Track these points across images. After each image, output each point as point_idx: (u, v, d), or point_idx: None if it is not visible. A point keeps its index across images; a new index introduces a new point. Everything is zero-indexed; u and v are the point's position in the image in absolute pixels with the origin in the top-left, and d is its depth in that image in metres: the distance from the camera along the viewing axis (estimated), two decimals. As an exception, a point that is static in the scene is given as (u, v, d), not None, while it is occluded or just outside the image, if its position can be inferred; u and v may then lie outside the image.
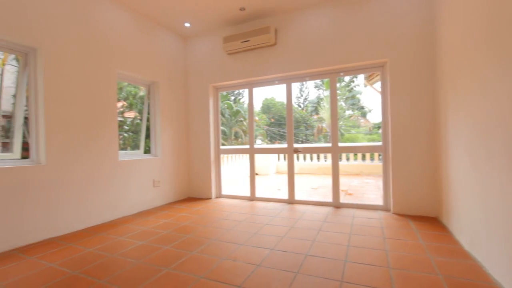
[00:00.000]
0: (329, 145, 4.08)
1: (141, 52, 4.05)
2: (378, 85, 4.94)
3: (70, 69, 3.11)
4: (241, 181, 7.14)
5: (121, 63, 3.73)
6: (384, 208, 3.69)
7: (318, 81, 20.36)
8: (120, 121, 3.73)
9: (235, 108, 15.44)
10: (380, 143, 3.81)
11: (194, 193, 4.94)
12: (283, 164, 9.88)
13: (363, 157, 9.16)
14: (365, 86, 14.93)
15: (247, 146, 4.71)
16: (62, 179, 2.99)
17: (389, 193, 3.61)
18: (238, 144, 15.74)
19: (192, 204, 4.40)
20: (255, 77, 4.37)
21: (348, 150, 4.90)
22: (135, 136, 7.71)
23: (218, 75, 4.66)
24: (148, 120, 4.45)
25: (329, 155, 9.27)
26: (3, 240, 2.52)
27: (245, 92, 20.32)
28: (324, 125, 17.48)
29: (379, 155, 8.70)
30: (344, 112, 18.05)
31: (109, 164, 3.52)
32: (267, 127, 20.49)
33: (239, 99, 21.52)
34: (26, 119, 2.93)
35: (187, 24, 4.43)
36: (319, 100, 19.83)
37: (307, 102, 23.90)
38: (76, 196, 3.13)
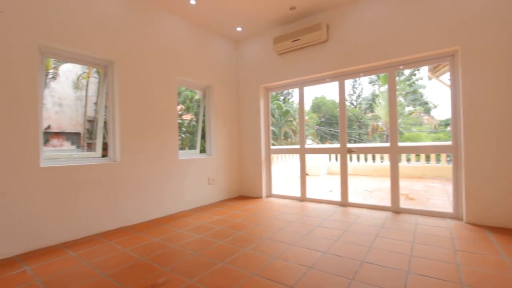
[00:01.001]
0: (387, 145, 3.79)
1: (197, 58, 4.34)
2: (445, 77, 4.39)
3: (142, 78, 3.52)
4: (291, 181, 7.10)
5: (180, 70, 4.06)
6: (455, 217, 3.27)
7: (373, 77, 19.00)
8: (179, 123, 4.05)
9: (284, 108, 15.41)
10: (449, 143, 3.38)
11: (245, 192, 5.09)
12: (335, 164, 9.50)
13: (427, 158, 8.22)
14: (430, 79, 13.37)
15: (298, 146, 4.66)
16: (132, 175, 3.39)
17: (461, 199, 3.18)
18: (288, 144, 15.67)
19: (244, 202, 4.54)
20: (305, 76, 4.30)
21: (409, 150, 4.46)
22: (191, 136, 8.31)
23: (268, 76, 4.72)
24: (203, 121, 4.74)
25: (386, 156, 8.59)
26: (88, 226, 2.97)
27: (295, 91, 20.15)
28: (379, 123, 16.26)
29: (447, 156, 7.72)
30: (404, 108, 16.49)
31: (171, 162, 3.86)
32: (317, 126, 19.94)
33: (289, 99, 21.40)
34: (105, 123, 3.40)
35: (239, 29, 4.59)
36: (374, 96, 18.52)
37: (360, 99, 22.54)
38: (144, 190, 3.51)
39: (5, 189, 2.41)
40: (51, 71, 9.41)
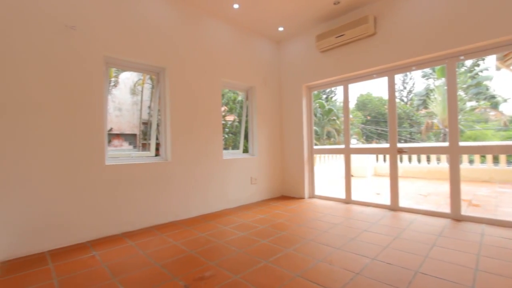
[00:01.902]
0: (445, 144, 3.43)
1: (240, 60, 4.46)
2: (520, 66, 3.81)
3: (189, 81, 3.75)
4: (335, 183, 6.85)
5: (224, 72, 4.21)
6: (533, 228, 2.82)
7: (427, 70, 17.30)
8: (222, 124, 4.20)
9: (327, 107, 14.94)
10: (525, 143, 2.92)
11: (287, 192, 5.07)
12: (383, 165, 8.91)
13: (496, 160, 7.20)
14: (498, 69, 11.69)
15: (342, 146, 4.48)
16: (181, 173, 3.62)
17: (542, 208, 2.72)
18: (331, 144, 15.15)
19: (286, 202, 4.52)
20: (350, 72, 4.11)
21: (472, 150, 3.94)
22: (234, 137, 8.56)
23: (311, 74, 4.63)
24: (246, 122, 4.85)
25: (443, 157, 7.76)
26: (144, 219, 3.26)
27: (338, 89, 19.38)
28: (435, 120, 14.75)
29: (522, 158, 6.67)
30: (465, 104, 14.69)
31: (215, 161, 4.03)
32: (362, 125, 18.90)
33: (331, 97, 20.66)
34: (158, 125, 3.69)
35: (280, 28, 4.58)
36: (428, 91, 16.87)
37: (412, 95, 20.73)
38: (191, 187, 3.73)
39: (78, 183, 2.78)
40: (112, 79, 10.55)
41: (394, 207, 3.82)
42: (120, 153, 3.47)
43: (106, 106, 3.11)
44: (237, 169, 4.35)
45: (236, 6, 3.80)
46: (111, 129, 11.87)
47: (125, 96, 12.66)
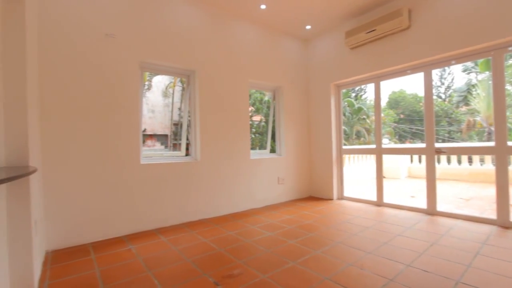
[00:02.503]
0: (490, 144, 3.14)
1: (267, 60, 4.46)
2: None
3: (218, 83, 3.85)
4: (365, 184, 6.59)
5: (251, 73, 4.25)
6: None
7: (468, 64, 15.95)
8: (249, 124, 4.24)
9: (356, 106, 14.40)
10: None
11: (315, 193, 4.98)
12: (418, 166, 8.40)
13: (552, 162, 6.44)
14: (555, 60, 10.41)
15: (373, 146, 4.30)
16: (210, 172, 3.72)
17: None
18: (360, 144, 14.59)
19: (314, 203, 4.44)
20: (382, 69, 3.93)
21: (524, 151, 3.57)
22: (261, 137, 8.59)
23: (339, 72, 4.50)
24: (273, 122, 4.84)
25: (487, 158, 7.12)
26: (176, 216, 3.40)
27: (368, 87, 18.59)
28: (477, 118, 13.58)
29: None
30: (514, 99, 13.31)
31: (243, 161, 4.08)
32: (395, 124, 17.95)
33: (361, 96, 19.88)
34: (188, 125, 3.82)
35: (308, 27, 4.51)
36: (469, 87, 15.55)
37: (450, 91, 19.27)
38: (220, 186, 3.81)
39: (116, 181, 2.97)
40: (146, 83, 11.14)
41: (431, 211, 3.58)
42: (153, 153, 3.65)
43: (142, 108, 3.30)
44: (264, 169, 4.36)
45: (263, 6, 3.81)
46: (144, 130, 12.56)
47: (157, 98, 13.32)
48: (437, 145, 3.55)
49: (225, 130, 3.90)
